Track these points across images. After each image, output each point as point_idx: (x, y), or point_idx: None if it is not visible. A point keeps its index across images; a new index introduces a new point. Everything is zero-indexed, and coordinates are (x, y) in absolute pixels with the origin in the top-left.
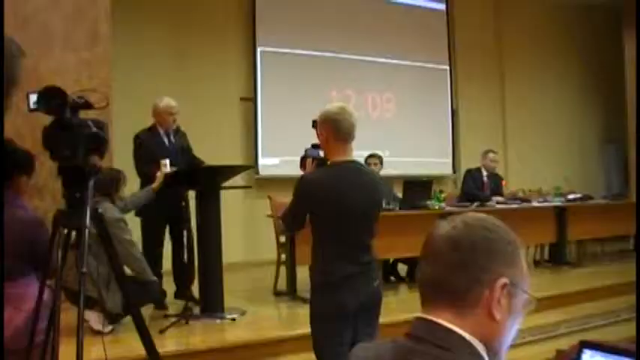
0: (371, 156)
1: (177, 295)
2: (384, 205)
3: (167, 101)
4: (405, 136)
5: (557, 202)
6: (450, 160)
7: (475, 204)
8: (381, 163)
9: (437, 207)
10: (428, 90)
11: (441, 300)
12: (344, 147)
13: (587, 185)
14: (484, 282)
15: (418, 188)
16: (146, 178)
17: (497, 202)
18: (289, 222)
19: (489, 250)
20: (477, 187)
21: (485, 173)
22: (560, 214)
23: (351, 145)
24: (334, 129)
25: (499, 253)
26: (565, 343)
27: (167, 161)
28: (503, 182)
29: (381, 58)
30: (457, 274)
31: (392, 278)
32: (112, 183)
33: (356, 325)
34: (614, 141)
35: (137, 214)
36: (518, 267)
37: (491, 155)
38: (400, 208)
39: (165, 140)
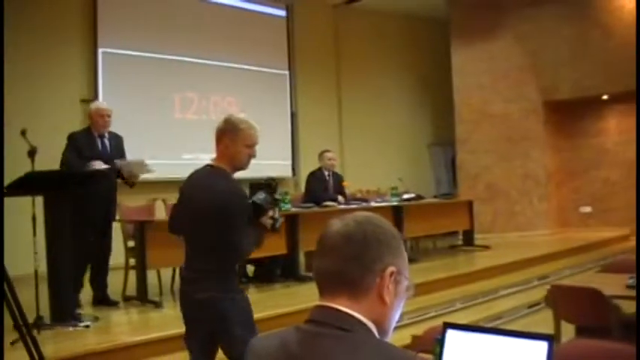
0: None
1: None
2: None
3: (97, 104)
4: None
5: (395, 201)
6: (289, 162)
7: (321, 204)
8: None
9: (283, 208)
10: (268, 93)
11: (338, 288)
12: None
13: (418, 185)
14: (375, 271)
15: (264, 189)
16: None
17: (340, 203)
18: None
19: (379, 243)
20: (321, 188)
21: (326, 173)
22: (397, 212)
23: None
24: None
25: (387, 246)
26: (408, 334)
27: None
28: (345, 183)
29: (224, 62)
30: (352, 265)
31: (243, 279)
32: None
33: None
34: (442, 143)
35: None
36: (402, 257)
37: (328, 154)
38: None
39: (99, 143)
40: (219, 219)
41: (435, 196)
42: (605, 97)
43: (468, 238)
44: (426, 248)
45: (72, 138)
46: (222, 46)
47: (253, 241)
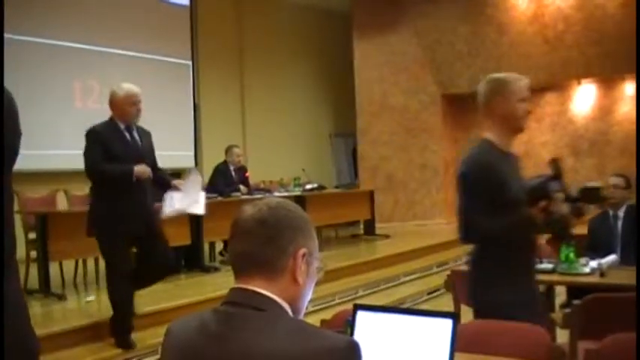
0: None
1: None
2: None
3: (126, 88)
4: (149, 128)
5: (297, 191)
6: (192, 153)
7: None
8: None
9: None
10: (171, 83)
11: (253, 270)
12: None
13: (320, 176)
14: (288, 252)
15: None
16: (108, 181)
17: (242, 194)
18: None
19: (291, 226)
20: (225, 182)
21: (232, 167)
22: (300, 203)
23: None
24: None
25: (299, 228)
26: (314, 320)
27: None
28: (247, 174)
29: (125, 50)
30: (266, 248)
31: None
32: None
33: None
34: (343, 134)
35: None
36: (313, 239)
37: (236, 150)
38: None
39: (127, 136)
40: None
41: (337, 187)
42: None
43: (369, 227)
44: (328, 237)
45: (93, 134)
46: (125, 34)
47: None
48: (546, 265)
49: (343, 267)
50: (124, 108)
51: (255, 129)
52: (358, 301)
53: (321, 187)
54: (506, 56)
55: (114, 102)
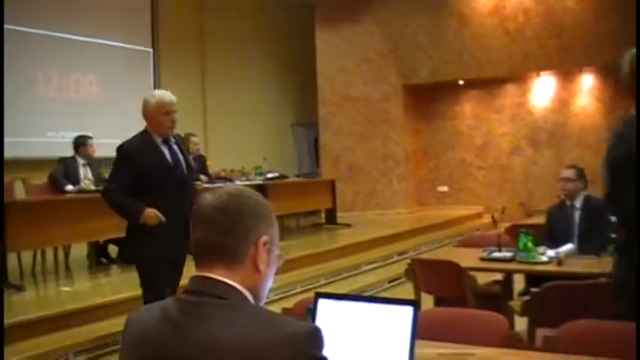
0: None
1: None
2: None
3: (158, 95)
4: (109, 117)
5: (259, 180)
6: None
7: None
8: None
9: None
10: (131, 71)
11: (214, 259)
12: None
13: (282, 165)
14: (250, 240)
15: None
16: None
17: (203, 183)
18: None
19: (252, 214)
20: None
21: (190, 156)
22: (261, 192)
23: None
24: None
25: (260, 216)
26: (279, 307)
27: None
28: (208, 162)
29: (85, 37)
30: (227, 236)
31: (103, 260)
32: None
33: None
34: (305, 124)
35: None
36: (274, 227)
37: (194, 139)
38: None
39: (164, 152)
40: None
41: (298, 176)
42: (460, 82)
43: (331, 216)
44: (290, 227)
45: (122, 153)
46: (85, 21)
47: None
48: (505, 254)
49: (305, 256)
50: (157, 118)
51: (217, 117)
52: (320, 290)
53: (282, 177)
54: (468, 48)
55: (146, 112)
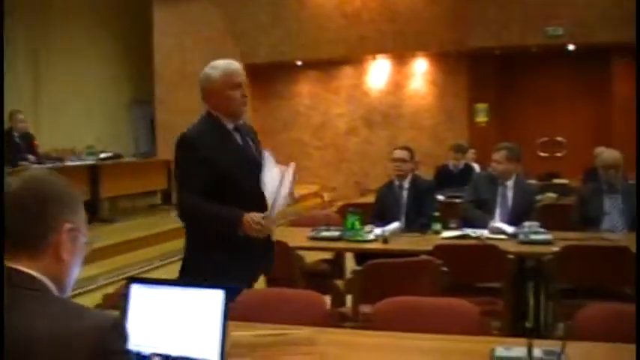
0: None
1: None
2: None
3: (226, 65)
4: None
5: (91, 160)
6: None
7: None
8: None
9: None
10: None
11: (19, 249)
12: None
13: (118, 144)
14: (53, 228)
15: None
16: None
17: (31, 162)
18: None
19: (56, 201)
20: (11, 151)
21: (16, 134)
22: (94, 172)
23: None
24: None
25: (64, 203)
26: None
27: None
28: (36, 142)
29: None
30: (30, 224)
31: None
32: None
33: None
34: (142, 102)
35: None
36: (80, 214)
37: (19, 116)
38: None
39: (238, 140)
40: None
41: (134, 156)
42: (299, 62)
43: (167, 197)
44: (125, 208)
45: (186, 145)
46: None
47: None
48: (332, 233)
49: (139, 238)
50: (225, 93)
51: (49, 94)
52: (154, 272)
53: (117, 156)
54: (306, 29)
55: (210, 89)
